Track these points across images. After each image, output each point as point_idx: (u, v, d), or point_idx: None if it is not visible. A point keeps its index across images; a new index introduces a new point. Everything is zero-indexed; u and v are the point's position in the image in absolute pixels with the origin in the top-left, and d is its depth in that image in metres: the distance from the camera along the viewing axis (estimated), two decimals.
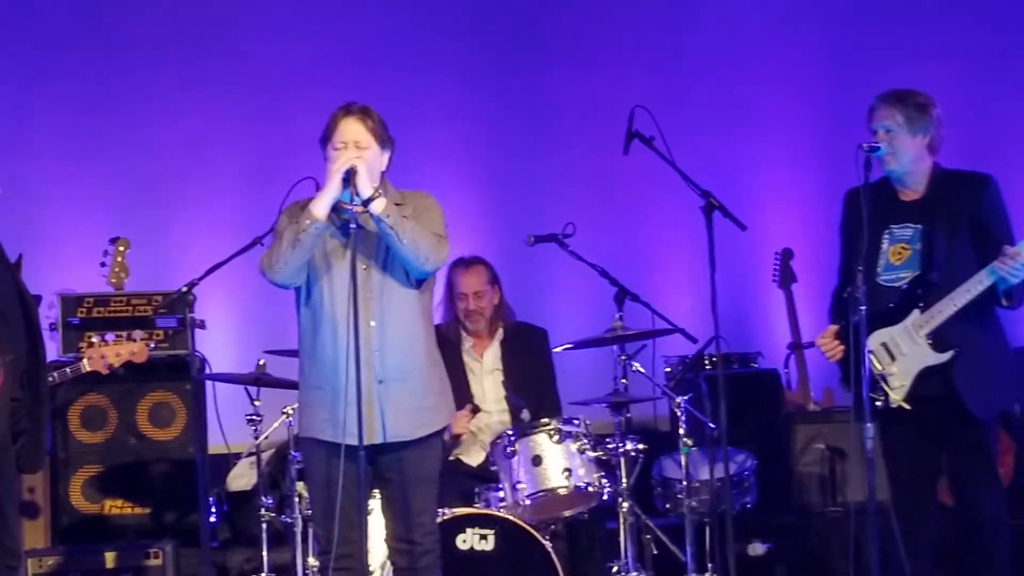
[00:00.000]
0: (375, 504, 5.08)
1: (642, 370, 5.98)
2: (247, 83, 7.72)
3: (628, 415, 6.02)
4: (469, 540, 5.60)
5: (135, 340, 5.42)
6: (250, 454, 6.07)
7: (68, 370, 5.33)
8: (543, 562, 5.58)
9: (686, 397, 5.93)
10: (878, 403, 4.99)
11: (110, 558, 6.27)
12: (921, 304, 4.99)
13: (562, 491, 5.74)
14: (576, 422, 5.87)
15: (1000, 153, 7.40)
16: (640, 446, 5.84)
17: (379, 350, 4.73)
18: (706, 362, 6.68)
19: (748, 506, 6.16)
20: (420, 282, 4.81)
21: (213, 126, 7.66)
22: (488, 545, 5.60)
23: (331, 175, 4.69)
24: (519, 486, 5.72)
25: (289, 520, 5.79)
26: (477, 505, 5.83)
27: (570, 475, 5.73)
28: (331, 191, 4.68)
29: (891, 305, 5.03)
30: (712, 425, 5.69)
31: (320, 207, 4.68)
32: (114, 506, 6.67)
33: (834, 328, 5.11)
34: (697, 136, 7.38)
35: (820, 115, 7.91)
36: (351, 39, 7.84)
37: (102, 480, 6.67)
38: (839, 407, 7.10)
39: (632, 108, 5.46)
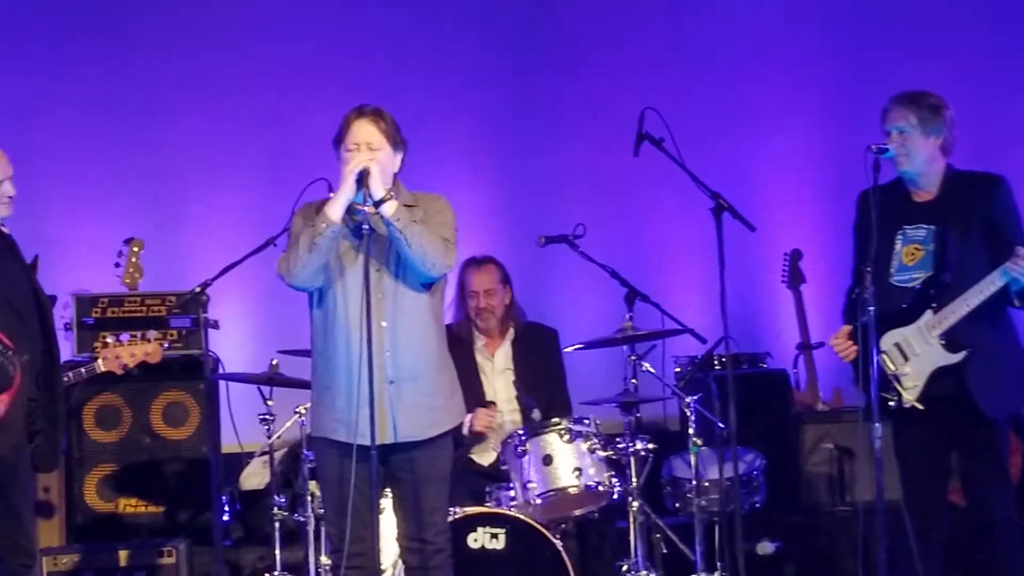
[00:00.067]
0: (387, 503, 5.10)
1: (652, 370, 6.00)
2: (258, 82, 7.72)
3: (638, 415, 6.04)
4: (480, 539, 5.62)
5: (149, 340, 5.43)
6: (263, 453, 6.09)
7: (83, 370, 5.35)
8: (554, 561, 5.60)
9: (696, 397, 5.93)
10: (891, 403, 5.02)
11: (124, 556, 6.28)
12: (934, 305, 5.00)
13: (573, 490, 5.76)
14: (586, 422, 5.88)
15: (1002, 154, 7.39)
16: (650, 446, 5.86)
17: (390, 351, 4.74)
18: (715, 362, 6.67)
19: (757, 505, 6.18)
20: (430, 284, 4.83)
21: (225, 126, 7.66)
22: (499, 544, 5.62)
23: (344, 177, 4.71)
24: (530, 485, 5.74)
25: (302, 519, 5.82)
26: (488, 504, 5.85)
27: (580, 474, 5.75)
28: (345, 193, 4.69)
29: (904, 306, 5.04)
30: (721, 425, 5.72)
31: (335, 210, 4.69)
32: (128, 505, 6.70)
33: (847, 328, 5.11)
34: (705, 137, 7.37)
35: (828, 116, 7.91)
36: (361, 39, 7.83)
37: (116, 479, 6.69)
38: (847, 407, 7.12)
39: (642, 110, 5.47)
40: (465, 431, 5.99)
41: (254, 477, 6.41)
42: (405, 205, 4.76)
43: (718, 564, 5.84)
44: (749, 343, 7.20)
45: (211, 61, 7.71)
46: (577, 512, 5.91)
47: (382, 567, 5.18)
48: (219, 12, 7.76)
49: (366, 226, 4.68)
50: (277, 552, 5.89)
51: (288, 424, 5.92)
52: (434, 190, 4.97)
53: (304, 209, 4.89)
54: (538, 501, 5.74)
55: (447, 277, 4.99)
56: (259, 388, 5.97)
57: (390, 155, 4.77)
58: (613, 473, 5.81)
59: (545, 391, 6.28)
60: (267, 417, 5.92)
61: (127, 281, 6.72)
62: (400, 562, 5.09)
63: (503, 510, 5.74)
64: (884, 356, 5.01)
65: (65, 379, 5.18)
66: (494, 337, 6.40)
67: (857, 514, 5.80)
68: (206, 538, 6.29)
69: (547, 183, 7.86)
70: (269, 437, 5.94)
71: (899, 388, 5.02)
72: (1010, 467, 5.57)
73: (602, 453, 5.81)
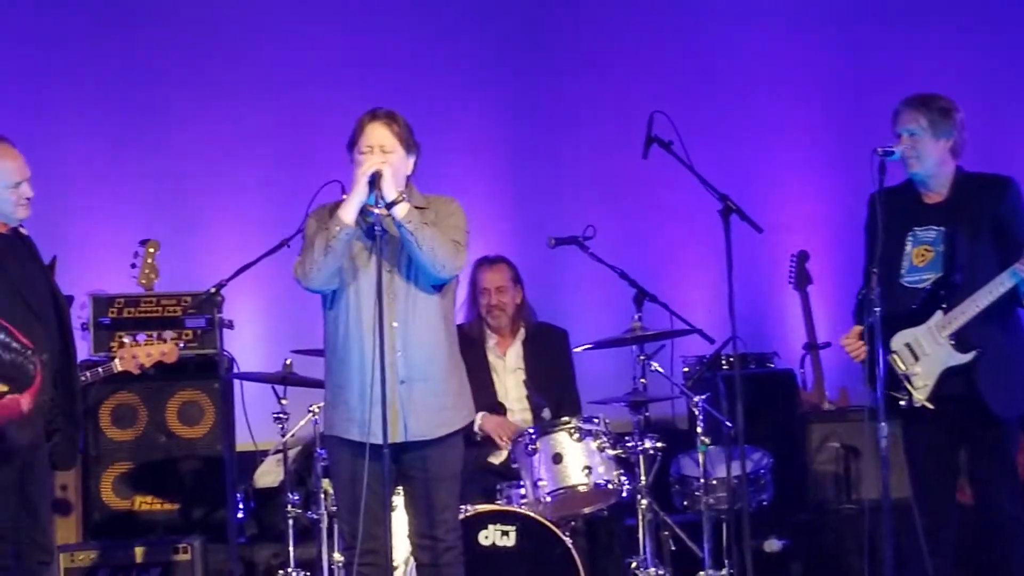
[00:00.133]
0: (399, 501, 5.12)
1: (660, 370, 6.02)
2: (273, 86, 7.72)
3: (647, 414, 6.05)
4: (491, 536, 5.65)
5: (165, 340, 5.47)
6: (277, 452, 6.12)
7: (100, 370, 5.38)
8: (563, 558, 5.64)
9: (704, 396, 5.95)
10: (902, 403, 5.04)
11: (140, 553, 6.29)
12: (944, 305, 5.02)
13: (582, 488, 5.79)
14: (596, 421, 5.91)
15: (1010, 155, 7.40)
16: (658, 444, 5.89)
17: (402, 351, 4.78)
18: (723, 362, 6.69)
19: (764, 503, 6.19)
20: (441, 285, 4.87)
21: (240, 127, 7.67)
22: (510, 541, 5.66)
23: (357, 179, 4.74)
24: (540, 483, 5.77)
25: (315, 516, 5.85)
26: (499, 502, 5.88)
27: (590, 472, 5.78)
28: (358, 196, 4.73)
29: (914, 306, 5.06)
30: (729, 424, 5.72)
31: (348, 212, 4.73)
32: (144, 502, 6.71)
33: (858, 329, 5.12)
34: (713, 139, 7.38)
35: (836, 118, 7.90)
36: (374, 42, 7.83)
37: (132, 477, 6.71)
38: (854, 406, 7.11)
39: (651, 113, 5.49)
40: (476, 429, 6.05)
41: (268, 475, 6.42)
42: (417, 207, 4.79)
43: (726, 561, 5.88)
44: (756, 343, 7.20)
45: (226, 65, 7.73)
46: (587, 510, 5.94)
47: (394, 564, 5.22)
48: (235, 17, 7.76)
49: (379, 228, 4.70)
50: (291, 549, 5.92)
51: (302, 423, 5.95)
52: (445, 192, 4.99)
53: (318, 212, 4.92)
54: (548, 499, 5.76)
55: (458, 278, 5.03)
56: (273, 387, 6.00)
57: (403, 158, 4.81)
58: (622, 471, 5.84)
59: (555, 390, 6.31)
60: (281, 416, 5.96)
61: (143, 282, 6.72)
62: (412, 559, 5.13)
63: (514, 508, 5.77)
64: (895, 356, 5.04)
65: (82, 378, 5.22)
66: (505, 336, 6.45)
67: (863, 512, 5.81)
68: (221, 535, 6.30)
69: (557, 186, 7.86)
70: (283, 436, 5.97)
71: (909, 388, 5.04)
72: (1019, 466, 5.61)
73: (611, 452, 5.84)
